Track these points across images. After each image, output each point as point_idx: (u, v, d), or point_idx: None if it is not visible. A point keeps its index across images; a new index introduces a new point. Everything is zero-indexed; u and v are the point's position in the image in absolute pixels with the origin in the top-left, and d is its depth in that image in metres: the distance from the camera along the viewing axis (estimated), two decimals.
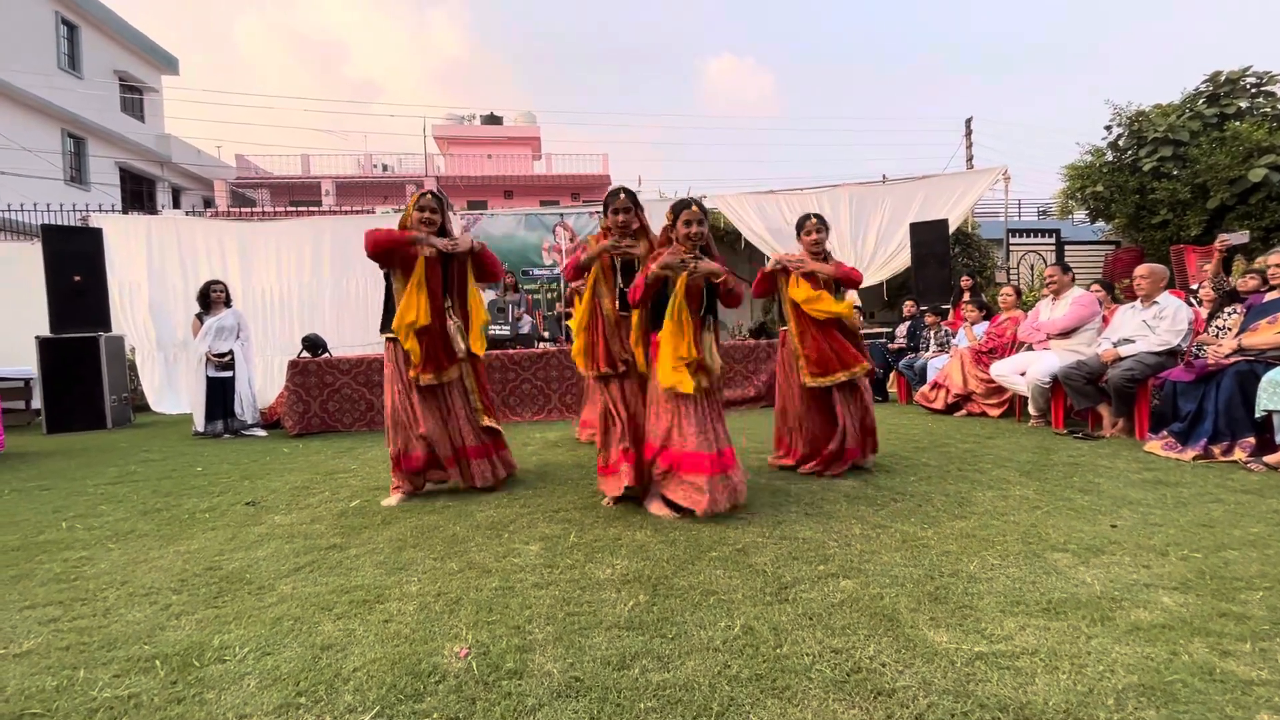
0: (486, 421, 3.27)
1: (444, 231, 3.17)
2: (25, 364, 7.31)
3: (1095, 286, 5.23)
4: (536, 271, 9.40)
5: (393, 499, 3.09)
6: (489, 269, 3.28)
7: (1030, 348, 4.93)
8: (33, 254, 7.45)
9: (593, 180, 24.18)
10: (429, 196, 3.14)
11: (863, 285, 9.10)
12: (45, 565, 2.35)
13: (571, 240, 9.60)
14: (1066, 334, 4.60)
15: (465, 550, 2.34)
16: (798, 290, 3.35)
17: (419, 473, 3.14)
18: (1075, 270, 5.24)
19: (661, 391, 2.68)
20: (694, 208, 2.79)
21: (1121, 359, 4.13)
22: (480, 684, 1.42)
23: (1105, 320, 4.67)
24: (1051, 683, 1.36)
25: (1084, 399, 4.30)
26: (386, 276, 3.14)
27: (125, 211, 13.69)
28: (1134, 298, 4.38)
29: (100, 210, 9.98)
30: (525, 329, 7.22)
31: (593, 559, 2.19)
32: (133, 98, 18.78)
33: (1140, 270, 4.32)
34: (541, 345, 6.70)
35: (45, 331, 6.61)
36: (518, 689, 1.39)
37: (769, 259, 3.61)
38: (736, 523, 2.55)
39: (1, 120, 13.45)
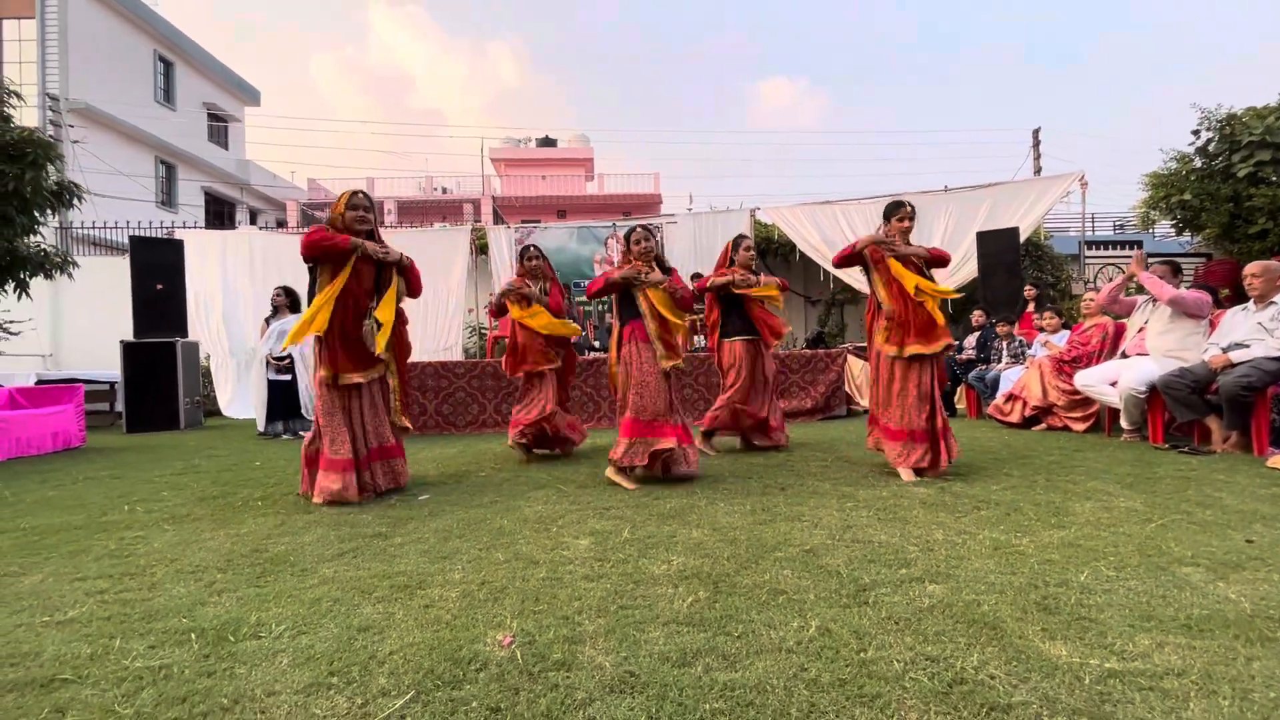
0: (404, 421, 3.26)
1: (373, 233, 3.14)
2: (110, 369, 7.77)
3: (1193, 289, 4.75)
4: (587, 283, 9.41)
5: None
6: (414, 285, 3.30)
7: (1123, 354, 4.51)
8: (122, 268, 7.96)
9: (644, 199, 24.36)
10: (361, 195, 3.10)
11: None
12: (102, 542, 2.36)
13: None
14: (1176, 322, 4.12)
15: (513, 542, 2.22)
16: (908, 276, 3.28)
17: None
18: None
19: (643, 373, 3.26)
20: (639, 230, 3.43)
21: (1234, 365, 3.70)
22: (524, 674, 1.28)
23: (1211, 325, 4.22)
24: (1211, 708, 1.11)
25: (1188, 410, 3.86)
26: (311, 273, 3.04)
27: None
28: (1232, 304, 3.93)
29: (184, 227, 10.66)
30: (575, 338, 7.18)
31: (646, 554, 2.03)
32: (218, 126, 20.19)
33: (1253, 268, 3.89)
34: (590, 354, 6.63)
35: (129, 338, 7.00)
36: (566, 681, 1.25)
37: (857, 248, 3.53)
38: (801, 524, 2.34)
39: (103, 147, 14.63)
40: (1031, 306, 6.70)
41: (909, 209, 3.45)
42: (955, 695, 1.16)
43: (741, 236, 4.48)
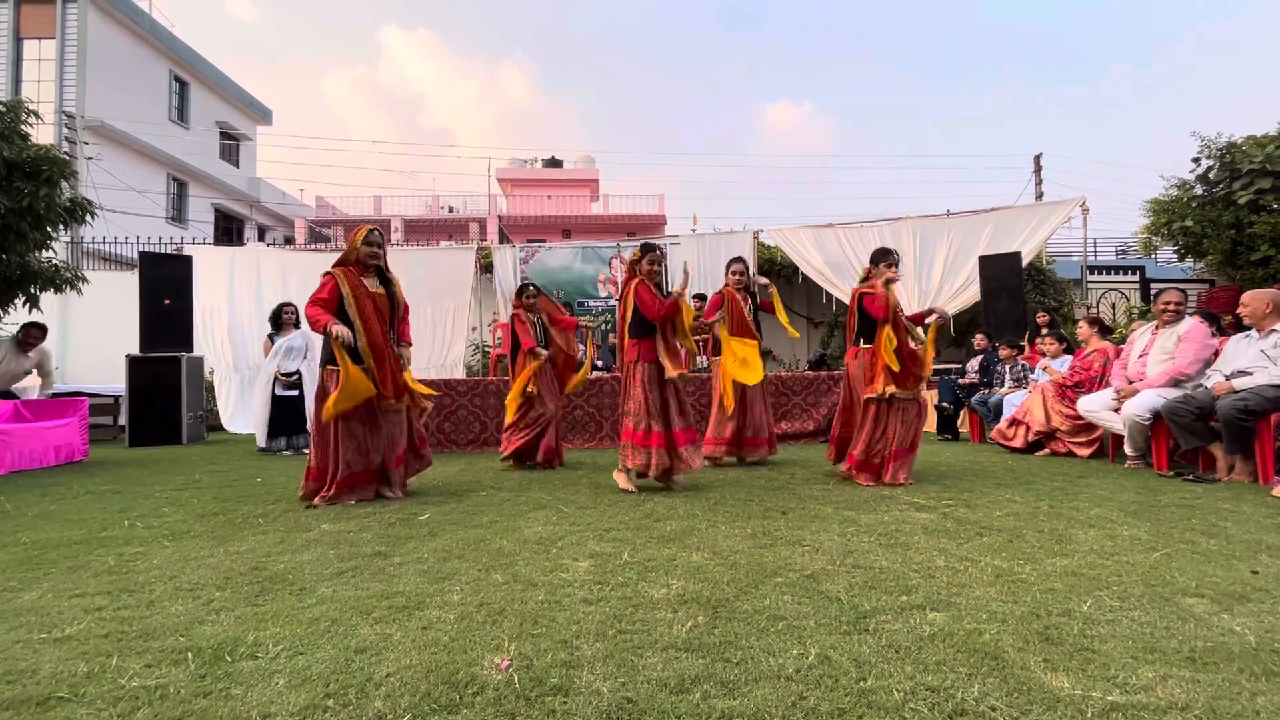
0: (420, 417, 3.74)
1: (382, 267, 3.52)
2: (115, 383, 7.80)
3: (1198, 319, 4.75)
4: (592, 303, 9.47)
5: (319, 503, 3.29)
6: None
7: (1127, 381, 4.49)
8: (131, 283, 8.04)
9: (649, 220, 24.55)
10: (375, 233, 3.45)
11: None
12: (102, 558, 2.36)
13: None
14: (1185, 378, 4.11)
15: (512, 563, 2.21)
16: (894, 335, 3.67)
17: (352, 489, 3.37)
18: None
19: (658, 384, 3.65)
20: (657, 253, 3.70)
21: (1235, 392, 3.69)
22: (521, 699, 1.27)
23: (1215, 352, 4.22)
24: None
25: (1192, 437, 3.84)
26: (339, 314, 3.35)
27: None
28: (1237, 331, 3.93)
29: (194, 243, 10.77)
30: (579, 358, 7.20)
31: (646, 578, 2.02)
32: (230, 144, 20.51)
33: (1245, 298, 3.90)
34: (594, 374, 6.64)
35: (135, 352, 7.05)
36: (563, 706, 1.24)
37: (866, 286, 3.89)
38: (802, 549, 2.33)
39: (116, 164, 14.87)
40: (1045, 331, 6.68)
41: (895, 255, 3.85)
42: None
43: (733, 260, 4.82)
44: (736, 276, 4.72)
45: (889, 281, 3.73)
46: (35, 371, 5.90)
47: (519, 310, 4.71)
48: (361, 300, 3.34)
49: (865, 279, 3.96)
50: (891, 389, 3.65)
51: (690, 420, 3.73)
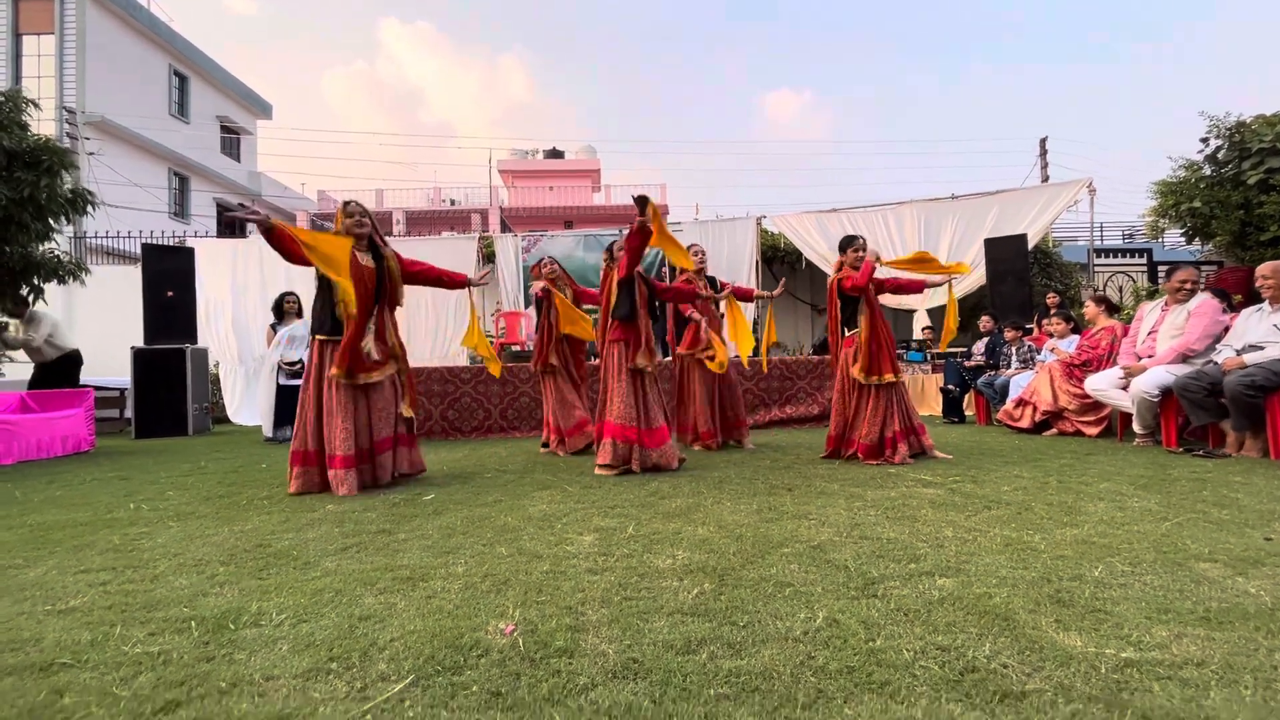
0: (407, 411, 3.47)
1: (374, 239, 3.40)
2: (121, 376, 7.82)
3: (1209, 295, 4.69)
4: (594, 291, 9.43)
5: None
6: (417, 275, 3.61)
7: (1138, 359, 4.45)
8: (135, 276, 8.04)
9: None
10: (353, 204, 3.41)
11: (931, 304, 8.64)
12: (107, 537, 2.36)
13: None
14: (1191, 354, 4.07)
15: (516, 538, 2.20)
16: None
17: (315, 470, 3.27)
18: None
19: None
20: (612, 249, 3.94)
21: (1246, 368, 3.64)
22: (526, 660, 1.26)
23: (1225, 328, 4.16)
24: (1233, 697, 1.07)
25: (1205, 413, 3.80)
26: (320, 280, 3.32)
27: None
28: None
29: (196, 237, 10.78)
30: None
31: (651, 549, 2.01)
32: (231, 139, 20.49)
33: (1264, 269, 3.84)
34: (595, 359, 6.62)
35: (140, 344, 7.06)
36: (568, 667, 1.22)
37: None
38: (808, 522, 2.31)
39: (118, 160, 14.87)
40: (1054, 312, 6.62)
41: (862, 241, 3.95)
42: (967, 683, 1.13)
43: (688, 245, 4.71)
44: (696, 258, 4.53)
45: (858, 261, 3.88)
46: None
47: (545, 284, 4.74)
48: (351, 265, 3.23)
49: (839, 270, 4.01)
50: (856, 374, 3.80)
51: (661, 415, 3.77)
